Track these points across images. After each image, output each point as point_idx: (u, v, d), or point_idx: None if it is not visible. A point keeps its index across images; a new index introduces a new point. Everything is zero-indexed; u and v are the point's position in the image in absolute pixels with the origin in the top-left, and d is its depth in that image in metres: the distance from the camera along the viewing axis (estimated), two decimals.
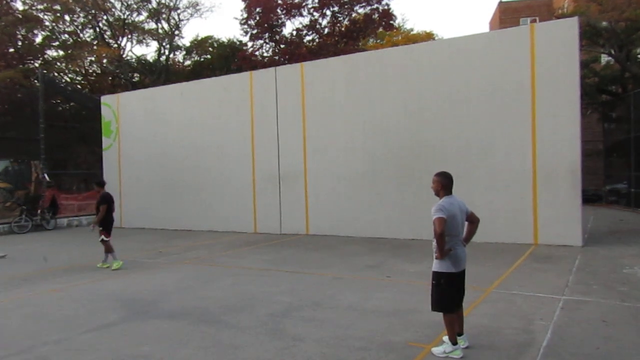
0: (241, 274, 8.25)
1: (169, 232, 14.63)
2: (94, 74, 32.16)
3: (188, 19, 38.15)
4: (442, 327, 5.04)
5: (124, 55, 31.36)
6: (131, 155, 17.02)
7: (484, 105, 10.96)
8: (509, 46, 10.75)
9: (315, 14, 31.91)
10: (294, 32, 32.40)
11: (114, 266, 8.83)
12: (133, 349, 4.74)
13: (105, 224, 9.01)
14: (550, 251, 9.49)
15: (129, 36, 32.09)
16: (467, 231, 4.56)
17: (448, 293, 4.30)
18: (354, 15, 32.49)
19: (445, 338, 4.47)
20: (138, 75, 32.35)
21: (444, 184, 4.48)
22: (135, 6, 30.61)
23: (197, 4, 32.07)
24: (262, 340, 4.88)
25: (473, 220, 4.58)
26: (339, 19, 32.83)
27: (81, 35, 31.28)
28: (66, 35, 30.68)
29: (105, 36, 31.90)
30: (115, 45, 31.65)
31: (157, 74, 30.64)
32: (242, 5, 31.61)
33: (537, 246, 10.10)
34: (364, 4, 31.57)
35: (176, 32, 32.42)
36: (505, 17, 30.71)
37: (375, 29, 31.69)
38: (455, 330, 4.34)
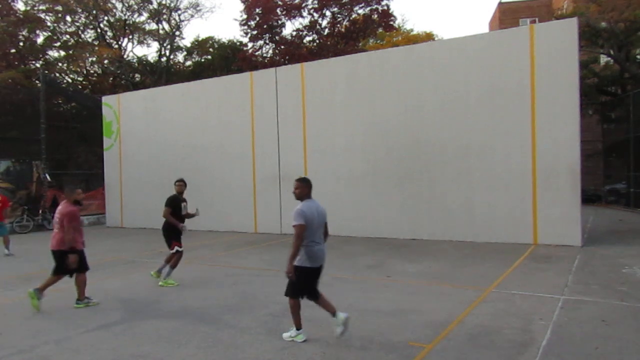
0: (241, 274, 8.27)
1: None
2: (95, 75, 32.22)
3: (189, 20, 38.17)
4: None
5: (124, 56, 31.41)
6: (132, 156, 17.04)
7: (484, 106, 10.97)
8: (508, 47, 10.76)
9: (315, 14, 31.92)
10: (294, 33, 32.44)
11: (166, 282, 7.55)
12: (133, 348, 4.77)
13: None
14: (549, 251, 9.51)
15: (130, 37, 32.14)
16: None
17: (298, 283, 4.76)
18: (353, 15, 32.51)
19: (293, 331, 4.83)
20: (139, 76, 32.39)
21: (305, 190, 4.89)
22: (136, 7, 30.66)
23: (198, 5, 32.24)
24: (262, 340, 4.90)
25: (326, 232, 5.03)
26: (339, 19, 32.84)
27: (82, 35, 31.32)
28: (67, 36, 30.71)
29: (106, 37, 31.94)
30: (116, 46, 31.68)
31: (158, 74, 30.68)
32: (242, 6, 31.65)
33: (537, 246, 10.11)
34: (363, 5, 31.57)
35: (177, 33, 32.46)
36: (505, 18, 30.72)
37: (375, 30, 31.70)
38: (299, 316, 4.83)
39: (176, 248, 7.50)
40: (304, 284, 4.77)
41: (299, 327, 4.82)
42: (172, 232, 7.57)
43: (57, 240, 6.44)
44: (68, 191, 6.63)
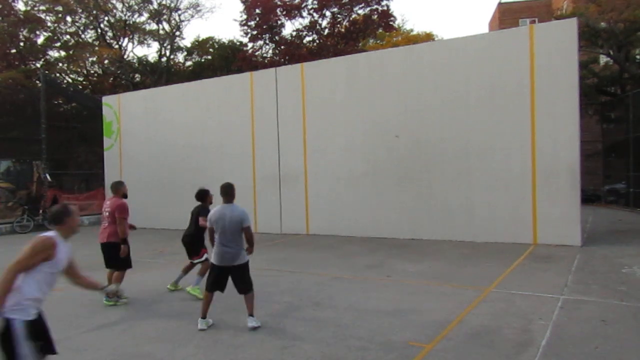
0: None
1: (169, 232, 14.64)
2: (95, 75, 32.23)
3: (189, 20, 38.10)
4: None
5: (125, 56, 31.42)
6: (132, 156, 17.05)
7: (484, 106, 10.98)
8: (508, 47, 10.77)
9: (315, 14, 31.93)
10: (294, 33, 32.44)
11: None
12: (133, 348, 4.78)
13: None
14: (549, 251, 9.52)
15: (130, 37, 32.14)
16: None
17: (209, 277, 5.38)
18: (353, 16, 32.51)
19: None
20: (139, 76, 32.40)
21: (220, 193, 5.41)
22: (136, 7, 30.67)
23: (198, 5, 32.26)
24: (262, 340, 4.90)
25: (246, 237, 5.33)
26: (339, 19, 32.84)
27: (83, 36, 31.33)
28: (68, 36, 30.73)
29: (107, 37, 31.94)
30: (117, 46, 31.69)
31: (158, 74, 30.68)
32: (242, 6, 31.64)
33: (537, 246, 10.12)
34: (363, 5, 31.58)
35: (177, 33, 32.46)
36: (504, 18, 30.72)
37: (374, 30, 31.71)
38: (205, 307, 5.32)
39: (205, 255, 7.08)
40: (211, 277, 5.36)
41: (203, 317, 5.32)
42: (201, 240, 7.23)
43: (108, 233, 6.49)
44: (116, 185, 6.77)
